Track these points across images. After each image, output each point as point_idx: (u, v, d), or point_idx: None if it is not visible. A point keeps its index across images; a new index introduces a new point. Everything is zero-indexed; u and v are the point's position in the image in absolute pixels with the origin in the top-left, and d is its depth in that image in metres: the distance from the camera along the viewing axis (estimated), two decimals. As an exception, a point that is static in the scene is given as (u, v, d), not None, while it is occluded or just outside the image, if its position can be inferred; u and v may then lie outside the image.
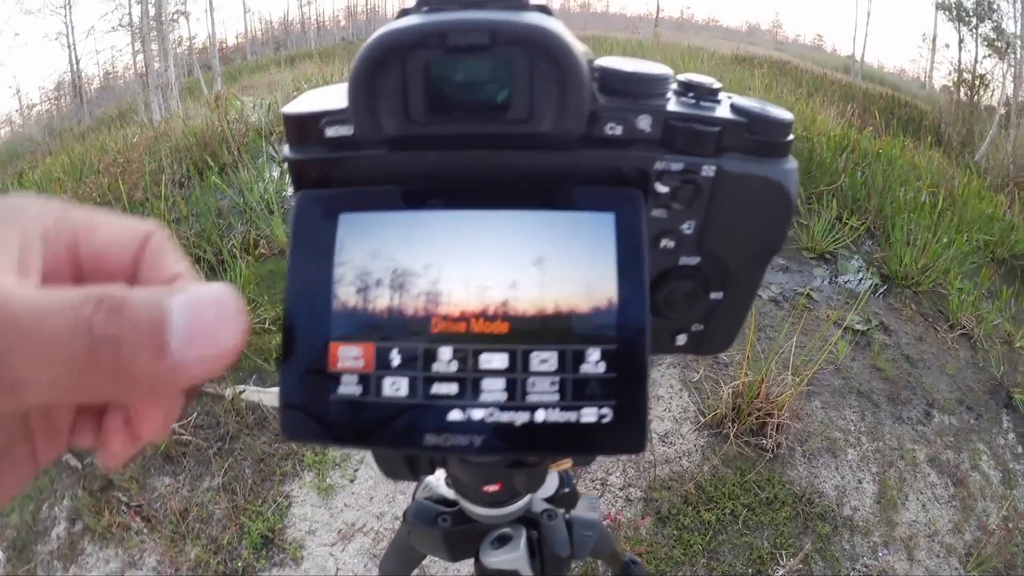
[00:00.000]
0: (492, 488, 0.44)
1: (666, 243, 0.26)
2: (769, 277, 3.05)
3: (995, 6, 7.69)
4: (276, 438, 2.14)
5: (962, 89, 8.26)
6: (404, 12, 0.23)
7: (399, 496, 1.96)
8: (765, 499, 1.95)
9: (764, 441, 2.09)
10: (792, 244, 3.29)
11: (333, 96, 0.25)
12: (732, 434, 2.10)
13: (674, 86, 0.25)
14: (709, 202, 0.25)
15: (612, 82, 0.24)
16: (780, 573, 1.77)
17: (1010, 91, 7.23)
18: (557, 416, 0.22)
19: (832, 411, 2.30)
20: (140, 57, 7.49)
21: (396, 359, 0.22)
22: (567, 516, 0.53)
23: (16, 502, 2.13)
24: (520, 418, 0.22)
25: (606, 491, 1.95)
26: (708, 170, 0.24)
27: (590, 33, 11.13)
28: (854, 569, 1.83)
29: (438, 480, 0.53)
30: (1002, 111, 6.93)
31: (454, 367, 0.22)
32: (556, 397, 0.22)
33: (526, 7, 0.23)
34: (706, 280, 0.27)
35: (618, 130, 0.24)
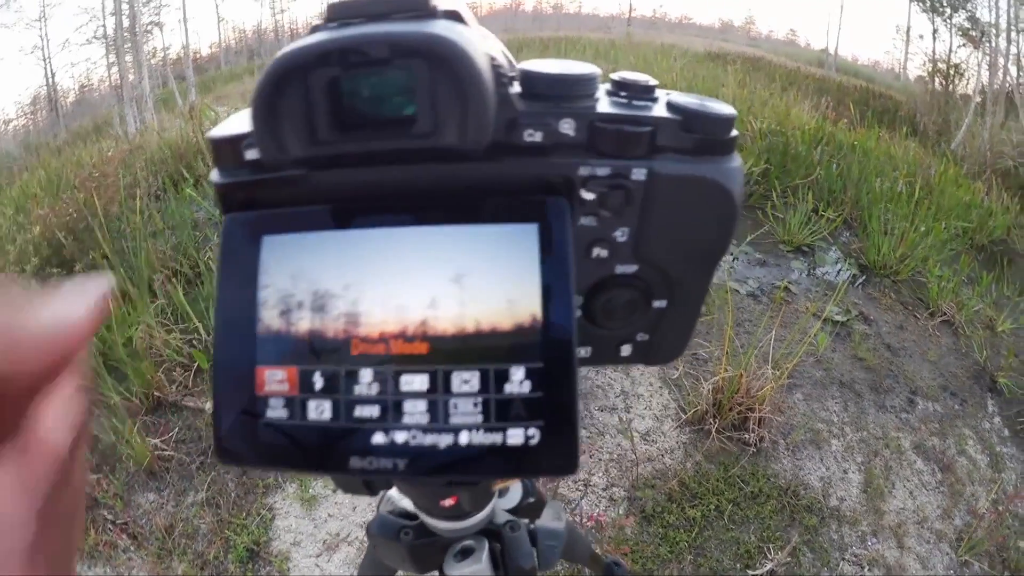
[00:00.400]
0: (448, 502, 0.43)
1: (599, 252, 0.25)
2: (746, 271, 3.06)
3: None
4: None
5: (937, 79, 8.34)
6: (315, 28, 0.23)
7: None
8: (750, 493, 1.96)
9: (747, 436, 2.10)
10: (769, 238, 3.31)
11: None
12: (714, 430, 2.11)
13: (606, 86, 0.24)
14: (642, 207, 0.24)
15: (534, 86, 0.23)
16: (768, 566, 1.77)
17: (985, 79, 7.31)
18: (481, 438, 0.22)
19: (814, 403, 2.32)
20: (115, 69, 7.42)
21: (319, 382, 0.22)
22: (531, 526, 0.52)
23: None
24: (444, 440, 0.22)
25: (589, 491, 1.95)
26: (639, 173, 0.23)
27: (563, 34, 11.12)
28: (843, 559, 1.84)
29: (399, 495, 0.52)
30: (978, 99, 7.01)
31: (375, 389, 0.22)
32: (480, 419, 0.22)
33: (435, 15, 0.22)
34: (647, 288, 0.26)
35: (538, 136, 0.23)
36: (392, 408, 0.22)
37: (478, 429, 0.22)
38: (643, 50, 8.36)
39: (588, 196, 0.24)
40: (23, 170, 5.68)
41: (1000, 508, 2.02)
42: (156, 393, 2.30)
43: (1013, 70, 6.98)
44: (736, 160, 0.24)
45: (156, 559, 1.88)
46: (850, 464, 2.12)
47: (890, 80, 10.01)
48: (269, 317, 0.22)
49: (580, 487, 1.97)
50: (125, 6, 7.29)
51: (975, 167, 5.26)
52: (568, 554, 0.61)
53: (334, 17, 0.22)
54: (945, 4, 8.09)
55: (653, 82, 0.25)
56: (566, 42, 9.54)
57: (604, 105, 0.23)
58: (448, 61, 0.20)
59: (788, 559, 1.80)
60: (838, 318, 2.74)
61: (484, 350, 0.22)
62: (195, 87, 8.24)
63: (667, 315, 0.28)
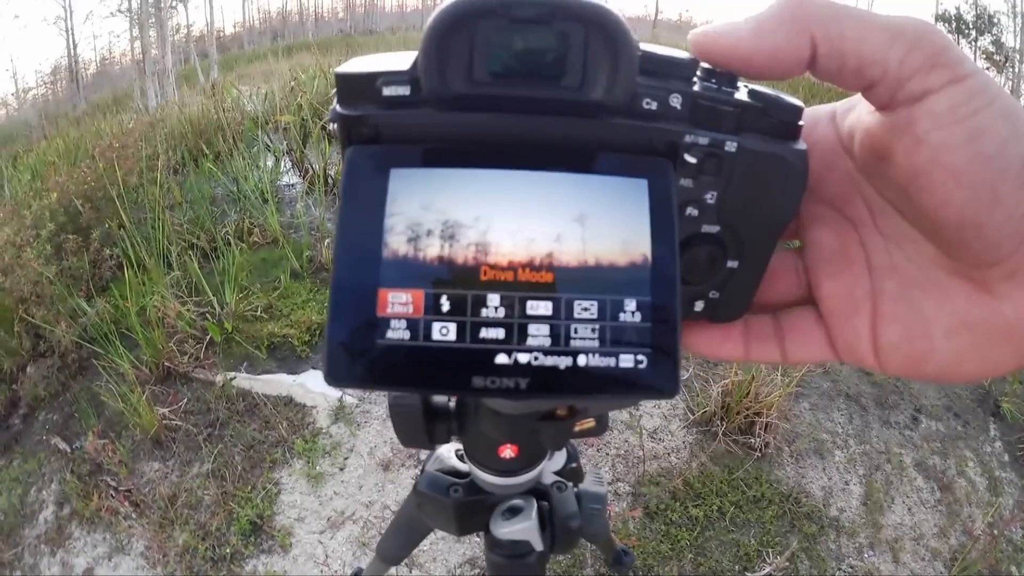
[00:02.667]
0: (509, 453, 0.45)
1: (691, 211, 0.28)
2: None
3: (995, 19, 7.77)
4: (266, 425, 2.14)
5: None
6: None
7: (388, 485, 1.97)
8: (752, 497, 1.98)
9: (752, 440, 2.11)
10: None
11: (386, 60, 0.26)
12: (721, 432, 2.12)
13: (699, 72, 0.27)
14: (730, 175, 0.27)
15: (648, 64, 0.26)
16: (766, 570, 1.79)
17: (1010, 104, 7.27)
18: (597, 361, 0.24)
19: (820, 413, 2.33)
20: (137, 44, 7.45)
21: (445, 305, 0.24)
22: (576, 489, 0.54)
23: (4, 485, 2.12)
24: (563, 362, 0.24)
25: (596, 485, 1.97)
26: (731, 145, 0.26)
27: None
28: (840, 569, 1.85)
29: (449, 453, 0.54)
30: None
31: (502, 313, 0.24)
32: (596, 343, 0.24)
33: None
34: (724, 248, 0.29)
35: (653, 105, 0.26)
36: (517, 331, 0.24)
37: (595, 353, 0.24)
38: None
39: (690, 160, 0.26)
40: (41, 138, 5.72)
41: (995, 532, 2.03)
42: (167, 363, 2.32)
43: (1035, 96, 6.98)
44: (803, 144, 0.27)
45: (157, 527, 1.89)
46: (852, 476, 2.13)
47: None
48: (396, 243, 0.24)
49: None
50: (150, -20, 7.31)
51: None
52: (587, 534, 0.62)
53: None
54: (971, 27, 8.09)
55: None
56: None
57: (700, 87, 0.26)
58: (605, 27, 0.24)
59: (786, 564, 1.81)
60: (848, 331, 2.75)
61: (602, 282, 0.24)
62: (217, 65, 8.25)
63: (736, 275, 0.30)
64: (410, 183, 0.25)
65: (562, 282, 0.24)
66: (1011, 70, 7.35)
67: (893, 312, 0.28)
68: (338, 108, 0.26)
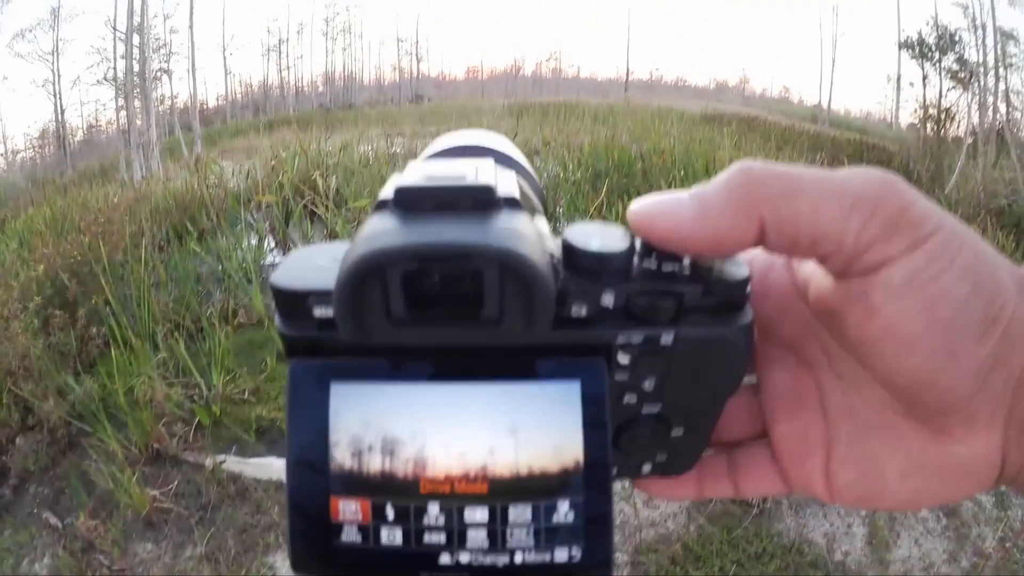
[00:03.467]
0: None
1: (628, 399, 0.29)
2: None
3: (957, 37, 7.95)
4: (258, 509, 2.11)
5: (928, 124, 8.49)
6: (380, 205, 0.25)
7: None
8: (754, 553, 1.95)
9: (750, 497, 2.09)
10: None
11: (320, 267, 0.27)
12: (717, 490, 2.11)
13: (639, 248, 0.27)
14: (668, 362, 0.27)
15: (578, 261, 0.26)
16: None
17: (976, 120, 7.45)
18: (533, 557, 0.25)
19: (817, 461, 2.32)
20: (123, 113, 7.54)
21: (390, 513, 0.25)
22: None
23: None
24: (501, 560, 0.25)
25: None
26: (667, 338, 0.26)
27: (562, 99, 11.34)
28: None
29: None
30: (969, 140, 7.11)
31: (442, 520, 0.25)
32: (532, 543, 0.25)
33: (498, 206, 0.25)
34: (667, 421, 0.30)
35: (583, 311, 0.26)
36: (457, 535, 0.25)
37: (530, 551, 0.25)
38: (640, 114, 8.53)
39: (623, 360, 0.27)
40: (28, 204, 5.75)
41: (1007, 545, 2.01)
42: (155, 445, 2.30)
43: (1002, 107, 7.09)
44: (747, 315, 0.27)
45: (152, 609, 1.86)
46: (854, 518, 2.11)
47: (883, 129, 10.18)
48: (341, 456, 0.25)
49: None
50: (136, 50, 7.43)
51: (970, 209, 5.29)
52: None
53: (402, 203, 0.25)
54: (934, 48, 8.26)
55: None
56: (565, 107, 9.73)
57: (637, 271, 0.26)
58: (517, 270, 0.23)
59: (793, 620, 1.79)
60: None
61: (535, 489, 0.25)
62: (201, 138, 8.35)
63: (683, 439, 0.31)
64: (349, 398, 0.26)
65: (495, 492, 0.25)
66: (976, 84, 7.49)
67: (847, 455, 0.28)
68: (278, 324, 0.27)
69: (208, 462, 2.24)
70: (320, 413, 0.25)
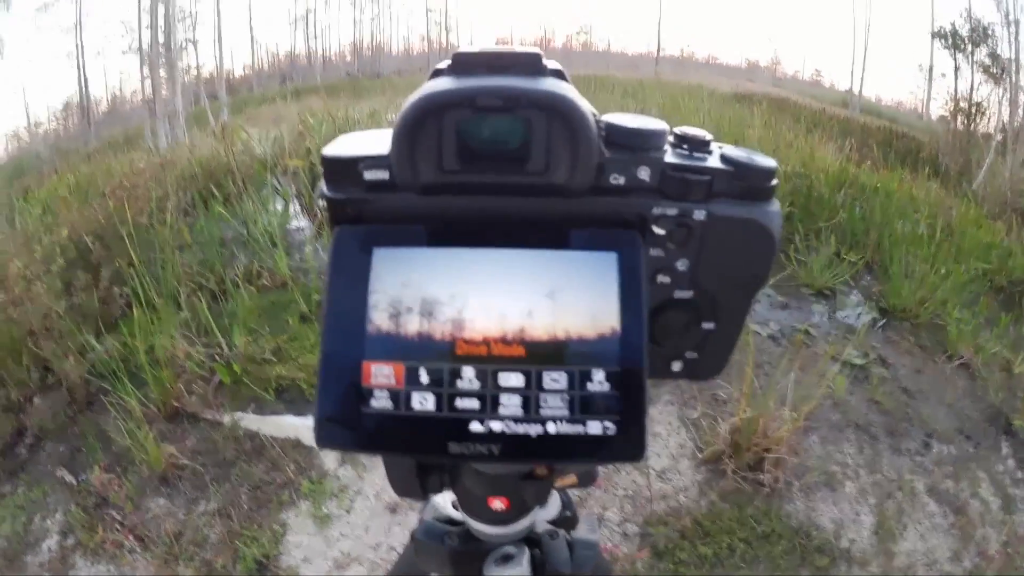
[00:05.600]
0: (499, 505, 0.46)
1: (662, 279, 0.29)
2: (768, 314, 3.06)
3: (990, 31, 7.79)
4: (274, 466, 2.14)
5: (959, 118, 8.34)
6: (437, 72, 0.26)
7: (395, 528, 1.96)
8: (762, 533, 1.95)
9: (762, 476, 2.09)
10: (791, 281, 3.31)
11: (369, 141, 0.28)
12: (730, 470, 2.11)
13: (670, 139, 0.28)
14: (700, 242, 0.28)
15: (616, 137, 0.27)
16: (777, 608, 1.76)
17: (1006, 117, 7.31)
18: (567, 428, 0.25)
19: (830, 445, 2.31)
20: (148, 83, 7.58)
21: (424, 377, 0.25)
22: (568, 537, 0.55)
23: (8, 511, 2.12)
24: (534, 430, 0.25)
25: (603, 526, 1.95)
26: (699, 214, 0.27)
27: (591, 72, 11.24)
28: (851, 602, 1.83)
29: (445, 501, 0.55)
30: (999, 137, 6.99)
31: (476, 385, 0.25)
32: (566, 412, 0.25)
33: (544, 72, 0.26)
34: (698, 311, 0.30)
35: (621, 180, 0.27)
36: (490, 401, 0.25)
37: (564, 421, 0.25)
38: (671, 90, 8.46)
39: (659, 231, 0.28)
40: (52, 173, 5.81)
41: (1010, 550, 2.00)
42: (175, 403, 2.33)
43: (1034, 105, 6.96)
44: (776, 205, 0.28)
45: (162, 563, 1.89)
46: (863, 506, 2.11)
47: (913, 120, 10.01)
48: (379, 319, 0.25)
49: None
50: (161, 21, 7.45)
51: (996, 207, 5.22)
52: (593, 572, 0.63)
53: (458, 66, 0.26)
54: (967, 41, 8.10)
55: (709, 136, 0.29)
56: (595, 81, 9.62)
57: (671, 156, 0.27)
58: (567, 115, 0.25)
59: (798, 601, 1.79)
60: (857, 361, 2.73)
61: (571, 355, 0.25)
62: (227, 107, 8.38)
63: (713, 335, 0.31)
64: (391, 262, 0.26)
65: (533, 355, 0.25)
66: (1008, 81, 7.35)
67: None
68: (324, 190, 0.28)
69: (226, 420, 2.27)
70: (361, 277, 0.26)
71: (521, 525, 0.51)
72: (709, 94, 8.63)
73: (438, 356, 0.25)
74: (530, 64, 0.26)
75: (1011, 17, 7.29)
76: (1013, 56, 7.35)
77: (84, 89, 8.71)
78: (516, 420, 0.25)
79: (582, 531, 0.57)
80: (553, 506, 0.57)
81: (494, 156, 0.26)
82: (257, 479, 2.10)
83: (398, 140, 0.25)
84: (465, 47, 0.26)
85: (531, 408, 0.25)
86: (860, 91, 11.24)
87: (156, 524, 2.00)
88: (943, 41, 8.47)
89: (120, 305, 2.84)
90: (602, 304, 0.26)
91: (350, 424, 0.25)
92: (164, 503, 2.07)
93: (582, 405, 0.25)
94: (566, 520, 0.57)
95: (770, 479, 2.08)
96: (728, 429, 2.16)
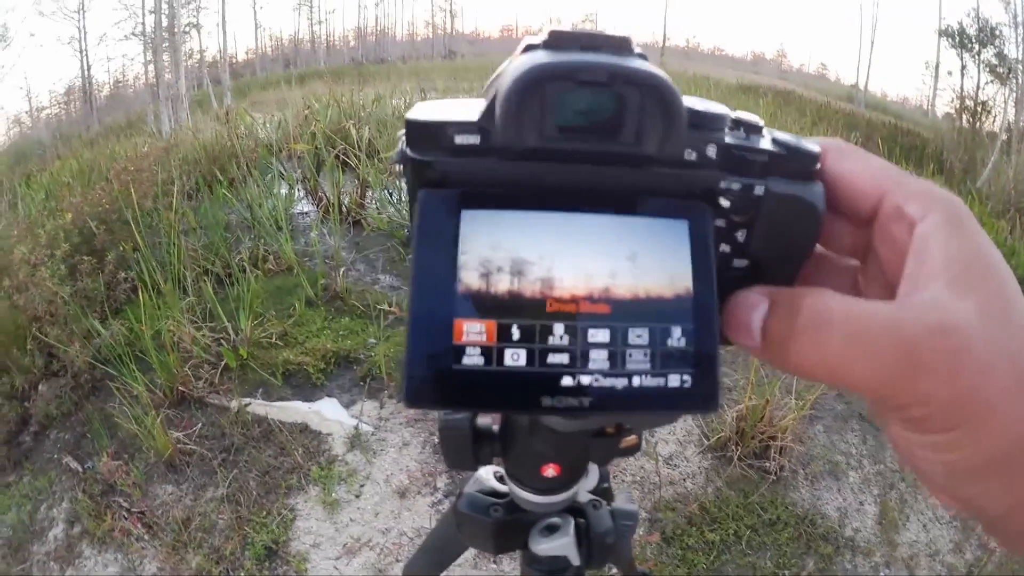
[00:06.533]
0: (551, 472, 0.47)
1: (723, 247, 0.31)
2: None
3: (997, 32, 7.81)
4: (282, 451, 2.15)
5: (964, 116, 8.39)
6: (529, 47, 0.28)
7: (404, 513, 1.97)
8: (768, 520, 1.97)
9: (767, 464, 2.11)
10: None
11: (452, 108, 0.29)
12: (736, 457, 2.13)
13: (729, 123, 0.30)
14: (757, 215, 0.30)
15: (689, 118, 0.29)
16: (782, 594, 1.78)
17: (1012, 117, 7.34)
18: (649, 381, 0.27)
19: (834, 435, 2.33)
20: (151, 67, 7.57)
21: (516, 334, 0.26)
22: (609, 507, 0.57)
23: (13, 500, 2.13)
24: (620, 383, 0.27)
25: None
26: (759, 189, 0.30)
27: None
28: (856, 589, 1.85)
29: (488, 475, 0.56)
30: (1004, 137, 7.03)
31: (566, 341, 0.27)
32: (648, 366, 0.27)
33: (633, 52, 0.28)
34: (752, 281, 0.32)
35: (693, 155, 0.29)
36: (580, 356, 0.27)
37: (647, 375, 0.27)
38: (677, 80, 8.45)
39: (724, 203, 0.30)
40: (54, 158, 5.81)
41: None
42: (181, 388, 2.33)
43: (1040, 107, 6.99)
44: (820, 186, 0.30)
45: (171, 550, 1.90)
46: (867, 496, 2.13)
47: (918, 117, 10.07)
48: (469, 278, 0.26)
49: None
50: (164, 5, 7.43)
51: (1000, 205, 5.26)
52: (614, 554, 0.64)
53: (553, 42, 0.28)
54: (974, 40, 8.13)
55: (761, 122, 0.32)
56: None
57: (730, 137, 0.30)
58: (659, 91, 0.27)
59: (804, 587, 1.81)
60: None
61: (652, 313, 0.27)
62: (231, 91, 8.37)
63: None
64: (480, 224, 0.27)
65: (617, 313, 0.27)
66: (1014, 81, 7.37)
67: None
68: (409, 152, 0.29)
69: (233, 405, 2.28)
70: (450, 238, 0.27)
71: (567, 494, 0.53)
72: (715, 85, 8.66)
73: (529, 313, 0.26)
74: (621, 45, 0.28)
75: (1019, 19, 7.31)
76: (1020, 57, 7.37)
77: (87, 74, 8.70)
78: (604, 374, 0.27)
79: (621, 502, 0.59)
80: (593, 477, 0.58)
81: (588, 127, 0.28)
82: (265, 464, 2.11)
83: (506, 106, 0.27)
84: (557, 27, 0.29)
85: (617, 363, 0.27)
86: (866, 86, 11.28)
87: (164, 511, 2.01)
88: (950, 40, 8.50)
89: (125, 290, 2.84)
90: (677, 267, 0.28)
91: (442, 382, 0.26)
92: (172, 489, 2.08)
93: (662, 359, 0.27)
94: (605, 491, 0.59)
95: (776, 467, 2.10)
96: (734, 417, 2.18)
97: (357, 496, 2.03)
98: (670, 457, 2.17)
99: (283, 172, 3.91)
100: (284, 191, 3.72)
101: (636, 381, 0.27)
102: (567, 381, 0.26)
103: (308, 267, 3.04)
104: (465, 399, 0.26)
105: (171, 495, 2.07)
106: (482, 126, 0.28)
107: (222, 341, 2.50)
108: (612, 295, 0.27)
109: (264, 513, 1.98)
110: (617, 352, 0.27)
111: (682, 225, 0.28)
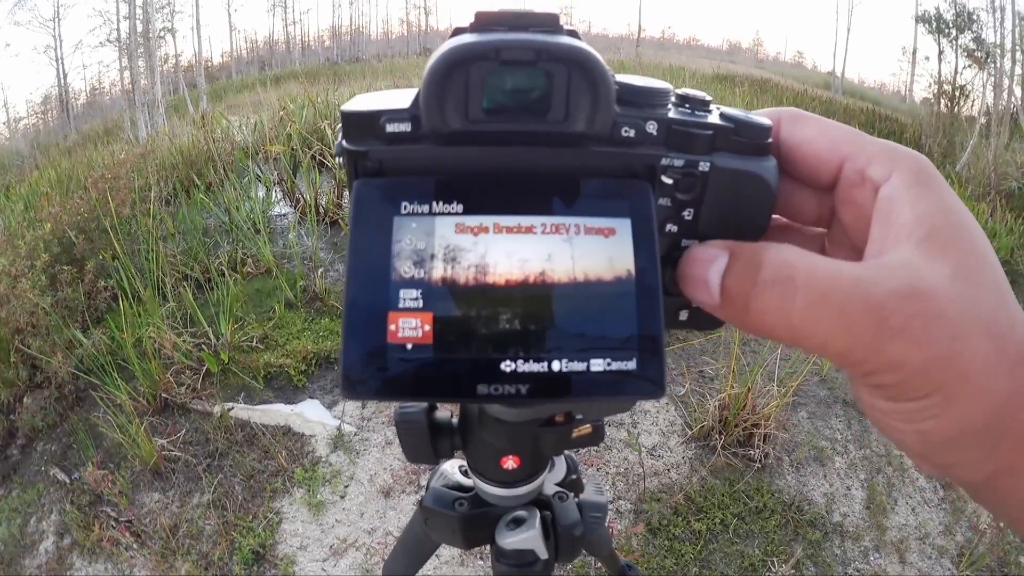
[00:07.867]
0: (511, 464, 0.47)
1: (670, 227, 0.31)
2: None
3: (975, 16, 7.87)
4: (266, 455, 2.14)
5: (942, 101, 8.45)
6: (457, 31, 0.28)
7: (390, 512, 1.96)
8: (754, 508, 1.98)
9: (752, 452, 2.12)
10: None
11: (386, 98, 0.29)
12: (720, 446, 2.13)
13: (673, 99, 0.30)
14: (704, 192, 0.30)
15: (626, 94, 0.29)
16: (771, 580, 1.79)
17: (990, 100, 7.39)
18: (591, 367, 0.26)
19: (818, 421, 2.34)
20: (127, 73, 7.50)
21: (451, 322, 0.26)
22: (577, 499, 0.56)
23: (3, 515, 2.11)
24: (559, 368, 0.26)
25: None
26: (704, 165, 0.29)
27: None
28: (846, 573, 1.86)
29: (453, 469, 0.56)
30: (982, 120, 7.08)
31: (502, 327, 0.26)
32: (589, 351, 0.26)
33: (561, 31, 0.27)
34: None
35: (631, 133, 0.28)
36: (517, 342, 0.26)
37: (587, 360, 0.26)
38: (652, 72, 8.51)
39: (667, 181, 0.29)
40: (33, 168, 5.75)
41: (1001, 524, 2.04)
42: (164, 395, 2.32)
43: (1018, 91, 7.04)
44: (773, 160, 0.30)
45: (159, 558, 1.88)
46: (853, 481, 2.14)
47: (896, 102, 10.13)
48: (403, 267, 0.26)
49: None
50: (139, 11, 7.37)
51: (980, 189, 5.29)
52: (590, 546, 0.64)
53: (480, 24, 0.27)
54: (951, 25, 8.19)
55: (708, 97, 0.31)
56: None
57: (675, 113, 0.29)
58: (587, 67, 0.27)
59: (792, 572, 1.82)
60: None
61: (591, 296, 0.27)
62: (206, 94, 8.32)
63: None
64: (413, 212, 0.27)
65: (555, 297, 0.26)
66: (992, 65, 7.43)
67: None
68: (344, 143, 0.28)
69: (216, 410, 2.26)
70: (384, 227, 0.27)
71: (531, 487, 0.52)
72: (691, 75, 8.69)
73: (464, 300, 0.26)
74: (549, 22, 0.28)
75: (997, 3, 7.37)
76: (998, 41, 7.42)
77: (63, 82, 8.61)
78: (542, 359, 0.26)
79: (590, 493, 0.58)
80: (560, 469, 0.57)
81: (516, 107, 0.27)
82: (249, 468, 2.10)
83: (428, 89, 0.26)
84: (484, 7, 0.28)
85: (556, 348, 0.26)
86: (843, 73, 11.34)
87: (151, 518, 2.00)
88: (927, 25, 8.56)
89: (106, 298, 2.82)
90: (617, 248, 0.27)
91: (377, 373, 0.26)
92: (158, 497, 2.07)
93: (604, 344, 0.26)
94: (573, 483, 0.58)
95: (760, 454, 2.11)
96: (717, 405, 2.18)
97: (342, 497, 2.02)
98: (653, 448, 2.18)
99: (260, 174, 3.88)
100: (261, 193, 3.69)
101: (577, 366, 0.26)
102: (504, 367, 0.26)
103: (287, 269, 3.02)
104: (402, 389, 0.26)
105: (158, 502, 2.05)
106: (413, 113, 0.27)
107: (203, 346, 2.48)
108: (549, 279, 0.26)
109: (250, 517, 1.97)
110: (556, 337, 0.26)
111: (623, 205, 0.28)
